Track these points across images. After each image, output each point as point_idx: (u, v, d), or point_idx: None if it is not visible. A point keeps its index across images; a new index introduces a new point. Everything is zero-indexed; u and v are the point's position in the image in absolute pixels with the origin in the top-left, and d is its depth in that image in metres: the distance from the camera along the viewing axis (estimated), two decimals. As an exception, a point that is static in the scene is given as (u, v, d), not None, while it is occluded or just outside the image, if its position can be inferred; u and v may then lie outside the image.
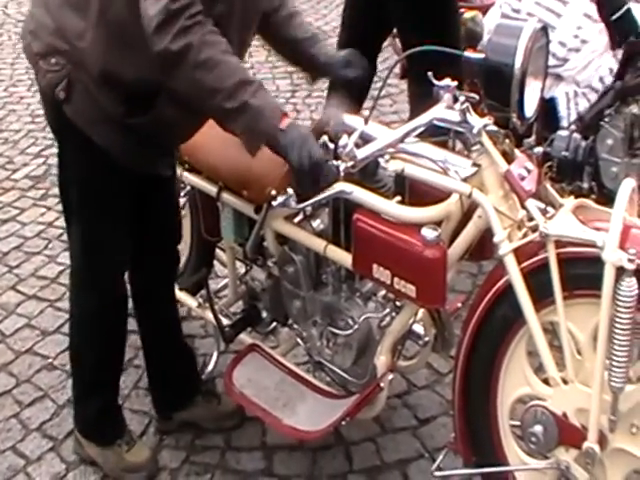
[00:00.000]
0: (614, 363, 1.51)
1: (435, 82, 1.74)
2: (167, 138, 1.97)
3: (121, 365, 2.30)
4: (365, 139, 1.79)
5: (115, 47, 1.77)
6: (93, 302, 2.12)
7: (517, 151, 1.75)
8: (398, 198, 1.92)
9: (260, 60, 4.99)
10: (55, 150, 3.92)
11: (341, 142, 1.72)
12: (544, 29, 1.69)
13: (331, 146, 1.86)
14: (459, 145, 1.88)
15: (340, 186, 1.78)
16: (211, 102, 1.66)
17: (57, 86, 1.84)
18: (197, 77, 1.63)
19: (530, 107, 1.69)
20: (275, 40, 2.11)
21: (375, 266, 1.81)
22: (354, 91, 2.99)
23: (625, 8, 2.55)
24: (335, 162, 1.72)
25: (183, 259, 2.67)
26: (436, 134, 1.79)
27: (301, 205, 1.78)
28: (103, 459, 2.26)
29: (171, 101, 1.78)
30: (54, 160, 3.93)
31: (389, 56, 4.82)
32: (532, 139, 2.03)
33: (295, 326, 2.21)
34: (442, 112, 1.75)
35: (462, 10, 2.93)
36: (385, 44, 4.09)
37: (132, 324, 2.77)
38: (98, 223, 2.01)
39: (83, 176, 1.97)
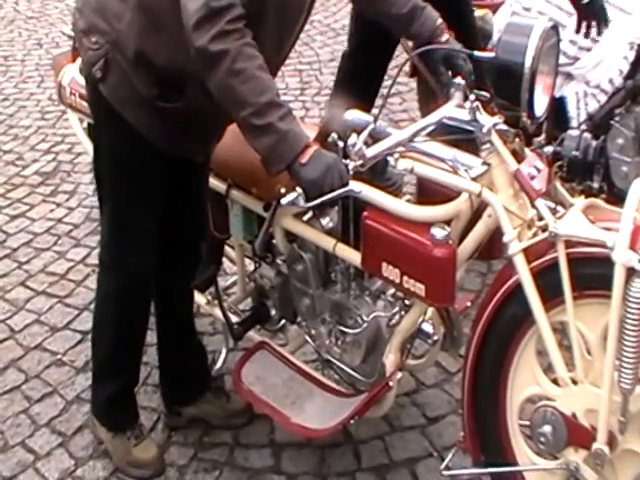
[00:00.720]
0: (624, 364, 1.51)
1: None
2: (199, 125, 1.96)
3: (140, 351, 2.30)
4: (374, 137, 1.79)
5: (150, 31, 1.80)
6: (116, 282, 2.15)
7: (527, 150, 1.75)
8: (407, 197, 1.92)
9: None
10: (65, 147, 3.98)
11: (350, 141, 1.72)
12: (555, 28, 1.68)
13: (340, 144, 1.87)
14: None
15: (350, 185, 1.77)
16: (238, 113, 1.66)
17: (95, 65, 1.87)
18: (230, 84, 1.64)
19: (540, 106, 1.68)
20: (373, 15, 2.09)
21: (384, 264, 1.81)
22: (368, 88, 2.99)
23: None
24: (344, 161, 1.72)
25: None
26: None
27: (310, 204, 1.77)
28: (112, 447, 2.29)
29: (202, 90, 1.76)
30: (64, 157, 3.98)
31: (398, 54, 4.81)
32: (542, 138, 2.00)
33: (304, 324, 2.21)
34: (452, 111, 1.74)
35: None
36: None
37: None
38: (128, 203, 2.04)
39: (117, 153, 1.99)
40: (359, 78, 3.12)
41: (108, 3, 1.85)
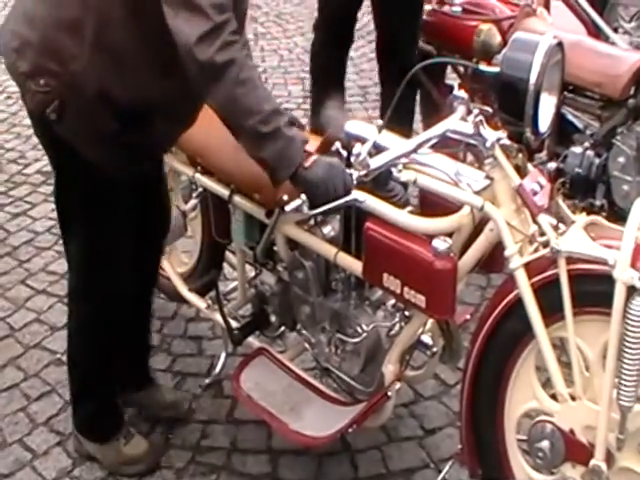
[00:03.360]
0: (623, 381, 1.52)
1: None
2: (159, 149, 2.03)
3: (124, 360, 2.31)
4: (378, 148, 1.80)
5: (111, 70, 1.77)
6: (95, 307, 2.13)
7: (530, 166, 1.76)
8: (410, 208, 1.92)
9: (272, 65, 5.01)
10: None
11: (354, 151, 1.73)
12: (560, 45, 1.69)
13: (344, 154, 1.88)
14: (470, 157, 1.89)
15: (353, 194, 1.78)
16: (245, 122, 1.67)
17: (48, 107, 1.79)
18: (236, 94, 1.65)
19: (544, 122, 1.68)
20: None
21: (385, 275, 1.82)
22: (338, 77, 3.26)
23: None
24: (348, 170, 1.73)
25: (193, 260, 2.69)
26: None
27: (313, 212, 1.78)
28: (102, 455, 2.28)
29: (166, 117, 1.82)
30: (65, 156, 3.97)
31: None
32: (543, 154, 2.01)
33: (303, 331, 2.21)
34: (456, 124, 1.75)
35: (476, 23, 2.93)
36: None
37: (141, 323, 2.82)
38: (100, 229, 2.00)
39: (82, 187, 1.96)
40: (327, 68, 3.50)
41: (58, 45, 1.77)
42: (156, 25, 1.67)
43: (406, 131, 3.41)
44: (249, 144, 1.74)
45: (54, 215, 3.46)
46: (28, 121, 4.40)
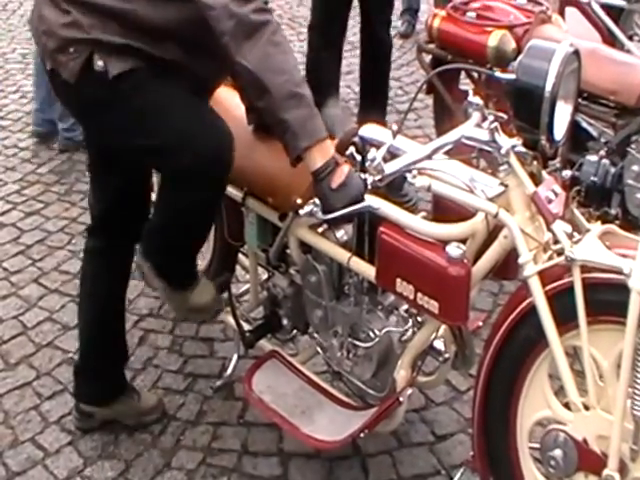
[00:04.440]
0: (637, 392, 1.52)
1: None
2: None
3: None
4: (392, 153, 1.80)
5: (133, 34, 1.85)
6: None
7: (545, 173, 1.75)
8: (423, 213, 1.93)
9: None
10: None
11: (369, 156, 1.74)
12: (576, 53, 1.69)
13: (358, 158, 1.89)
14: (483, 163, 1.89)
15: (367, 200, 1.78)
16: (275, 79, 1.70)
17: (85, 66, 1.86)
18: (270, 52, 1.70)
19: (560, 130, 1.68)
20: None
21: (398, 280, 1.82)
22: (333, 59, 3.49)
23: None
24: (362, 175, 1.74)
25: (205, 262, 2.70)
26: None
27: (327, 217, 1.79)
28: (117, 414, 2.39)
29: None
30: (79, 156, 3.98)
31: (415, 70, 4.83)
32: (557, 161, 2.01)
33: (315, 335, 2.22)
34: (471, 130, 1.75)
35: (491, 29, 2.93)
36: (411, 58, 4.16)
37: (153, 323, 2.84)
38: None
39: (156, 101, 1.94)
40: (323, 49, 3.81)
41: (83, 21, 1.86)
42: (187, 14, 1.77)
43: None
44: (275, 104, 1.73)
45: (67, 215, 3.51)
46: (42, 120, 4.42)
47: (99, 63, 1.87)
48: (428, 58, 3.31)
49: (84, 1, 1.87)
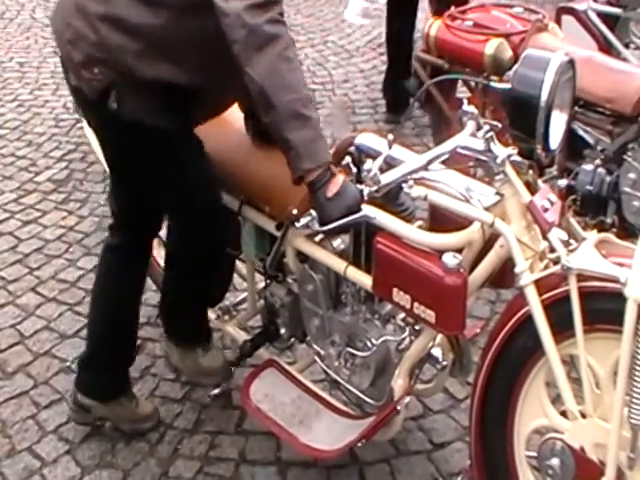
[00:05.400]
0: (634, 400, 1.52)
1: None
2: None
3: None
4: (388, 163, 1.81)
5: (162, 61, 1.86)
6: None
7: (540, 182, 1.76)
8: (420, 223, 1.93)
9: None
10: (78, 155, 3.99)
11: (365, 166, 1.74)
12: (571, 62, 1.69)
13: (354, 169, 1.89)
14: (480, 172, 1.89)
15: (363, 210, 1.79)
16: (282, 97, 1.68)
17: (103, 93, 1.89)
18: (280, 67, 1.68)
19: (555, 139, 1.69)
20: None
21: (395, 290, 1.82)
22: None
23: None
24: (359, 186, 1.74)
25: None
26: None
27: (324, 228, 1.79)
28: (114, 414, 2.40)
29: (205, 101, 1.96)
30: (77, 165, 4.00)
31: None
32: (554, 169, 2.02)
33: (313, 344, 2.22)
34: (466, 140, 1.75)
35: (487, 37, 2.94)
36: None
37: (150, 332, 2.84)
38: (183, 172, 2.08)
39: (144, 150, 2.02)
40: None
41: (111, 39, 1.86)
42: (206, 27, 1.76)
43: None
44: (280, 122, 1.71)
45: (64, 223, 3.52)
46: (39, 129, 4.52)
47: (113, 105, 1.90)
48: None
49: (112, 16, 1.86)
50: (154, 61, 1.86)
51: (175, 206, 2.16)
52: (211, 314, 2.51)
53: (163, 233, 2.66)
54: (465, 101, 1.77)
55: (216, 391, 2.52)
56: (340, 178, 1.75)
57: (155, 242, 2.78)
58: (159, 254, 2.80)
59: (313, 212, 1.79)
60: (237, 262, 2.58)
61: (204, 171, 2.08)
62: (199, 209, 2.10)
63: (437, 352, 2.01)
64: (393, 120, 4.40)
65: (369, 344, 2.01)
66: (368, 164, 1.73)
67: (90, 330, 2.43)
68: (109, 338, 2.36)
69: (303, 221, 1.79)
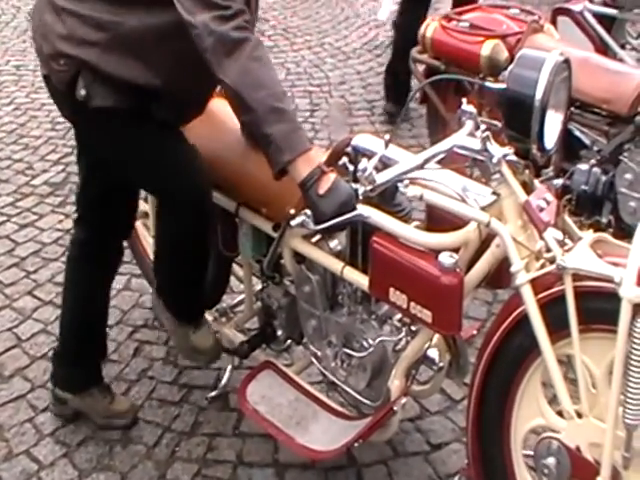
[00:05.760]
0: (629, 399, 1.52)
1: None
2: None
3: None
4: (384, 163, 1.81)
5: (127, 57, 1.91)
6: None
7: (536, 182, 1.76)
8: (416, 223, 1.93)
9: (280, 78, 5.00)
10: (74, 158, 3.97)
11: (361, 166, 1.74)
12: (567, 62, 1.69)
13: (350, 168, 1.89)
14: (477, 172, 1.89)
15: (358, 210, 1.79)
16: (257, 94, 1.72)
17: (71, 83, 1.94)
18: (251, 67, 1.73)
19: (551, 139, 1.69)
20: None
21: (392, 290, 1.82)
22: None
23: None
24: (354, 185, 1.74)
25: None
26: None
27: (319, 227, 1.79)
28: (87, 407, 2.45)
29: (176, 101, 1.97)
30: (73, 168, 3.98)
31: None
32: (550, 170, 2.02)
33: (310, 345, 2.22)
34: (463, 139, 1.75)
35: (483, 39, 2.95)
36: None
37: (147, 335, 2.83)
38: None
39: (142, 142, 2.05)
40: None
41: (78, 33, 1.92)
42: (172, 25, 1.80)
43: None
44: (257, 119, 1.74)
45: (61, 227, 3.51)
46: (36, 132, 4.52)
47: (81, 92, 1.94)
48: (422, 68, 3.33)
49: (79, 12, 1.92)
50: (117, 58, 1.91)
51: (153, 191, 2.20)
52: (208, 316, 2.50)
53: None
54: (464, 100, 1.78)
55: (213, 393, 2.53)
56: (331, 176, 1.75)
57: (142, 229, 2.81)
58: (147, 242, 2.81)
59: (308, 211, 1.79)
60: (234, 264, 2.59)
61: (182, 156, 2.08)
62: (178, 194, 2.09)
63: (434, 353, 2.01)
64: (391, 111, 4.41)
65: (366, 345, 2.01)
66: (363, 163, 1.73)
67: (61, 325, 2.48)
68: (77, 332, 2.41)
69: (298, 220, 1.79)
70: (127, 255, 2.98)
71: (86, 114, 1.99)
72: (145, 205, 2.79)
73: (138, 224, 2.82)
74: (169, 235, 2.20)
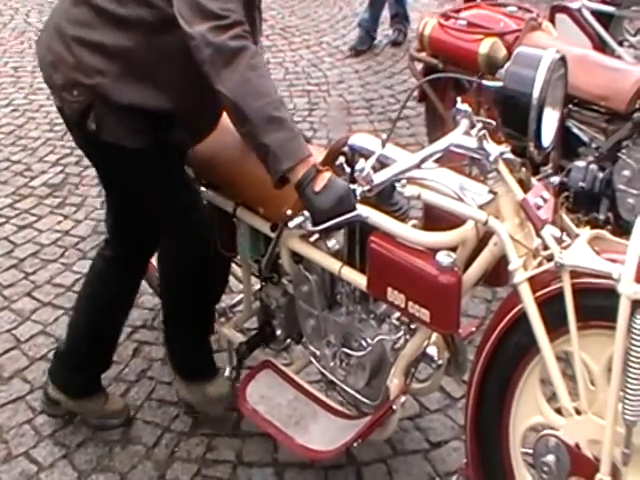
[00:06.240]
0: (628, 396, 1.51)
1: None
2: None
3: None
4: (382, 162, 1.80)
5: (139, 84, 1.91)
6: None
7: (534, 180, 1.76)
8: (413, 222, 1.93)
9: (278, 78, 5.01)
10: (73, 159, 4.00)
11: (358, 166, 1.74)
12: (563, 59, 1.69)
13: (347, 169, 1.89)
14: (475, 170, 1.89)
15: (357, 209, 1.79)
16: (255, 103, 1.73)
17: (83, 115, 1.94)
18: (249, 76, 1.73)
19: (547, 137, 1.69)
20: None
21: (390, 289, 1.82)
22: None
23: None
24: (352, 185, 1.74)
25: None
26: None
27: (317, 228, 1.79)
28: (82, 409, 2.45)
29: (188, 126, 1.98)
30: (72, 169, 4.00)
31: (407, 78, 4.86)
32: (548, 167, 2.02)
33: (309, 345, 2.22)
34: (459, 138, 1.75)
35: (481, 37, 2.95)
36: (403, 66, 4.23)
37: (146, 335, 2.83)
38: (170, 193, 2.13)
39: (158, 183, 2.08)
40: None
41: (88, 61, 1.92)
42: (179, 44, 1.79)
43: None
44: (255, 128, 1.75)
45: (60, 228, 3.51)
46: (34, 133, 4.52)
47: (92, 126, 1.94)
48: (420, 66, 3.33)
49: (88, 40, 1.93)
50: (130, 84, 1.91)
51: (158, 228, 2.20)
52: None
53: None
54: (459, 99, 1.77)
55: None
56: (326, 174, 1.75)
57: None
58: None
59: (306, 212, 1.79)
60: (232, 264, 2.58)
61: (187, 195, 2.14)
62: (182, 233, 2.14)
63: (432, 351, 2.01)
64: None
65: (364, 344, 2.01)
66: (360, 163, 1.73)
67: (71, 328, 2.45)
68: (89, 342, 2.39)
69: (296, 221, 1.79)
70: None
71: (95, 146, 2.02)
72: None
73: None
74: (175, 276, 2.27)
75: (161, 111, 1.95)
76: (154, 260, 2.72)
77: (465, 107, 1.75)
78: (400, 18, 5.55)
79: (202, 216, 2.20)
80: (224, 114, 2.26)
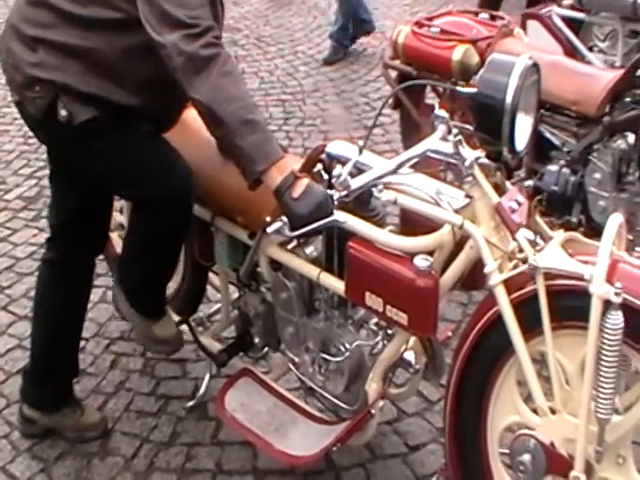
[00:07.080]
0: (600, 394, 1.54)
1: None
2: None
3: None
4: (359, 168, 1.82)
5: (100, 80, 1.93)
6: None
7: (508, 184, 1.78)
8: (391, 227, 1.94)
9: (253, 87, 5.01)
10: (47, 172, 3.92)
11: (335, 172, 1.75)
12: (535, 66, 1.72)
13: (325, 176, 1.90)
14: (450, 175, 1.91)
15: (333, 215, 1.80)
16: (228, 108, 1.74)
17: (50, 108, 1.94)
18: (221, 83, 1.75)
19: (521, 141, 1.71)
20: None
21: (368, 294, 1.83)
22: None
23: None
24: (329, 191, 1.75)
25: (176, 283, 2.69)
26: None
27: (295, 233, 1.80)
28: (58, 424, 2.42)
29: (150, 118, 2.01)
30: (46, 182, 3.91)
31: (381, 86, 4.89)
32: (522, 171, 2.03)
33: (287, 352, 2.22)
34: (436, 144, 1.77)
35: (454, 44, 2.98)
36: (377, 74, 4.23)
37: (124, 346, 2.82)
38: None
39: (122, 154, 2.05)
40: None
41: (49, 59, 1.93)
42: (143, 43, 1.81)
43: None
44: (230, 132, 1.77)
45: (35, 241, 3.48)
46: (8, 147, 4.47)
47: (62, 113, 1.94)
48: (394, 74, 3.35)
49: (50, 40, 1.93)
50: (92, 80, 1.93)
51: (138, 195, 2.15)
52: (184, 326, 2.50)
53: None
54: (437, 105, 1.79)
55: (191, 403, 2.53)
56: (305, 181, 1.77)
57: (118, 241, 2.79)
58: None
59: (284, 218, 1.79)
60: (210, 273, 2.58)
61: (167, 155, 2.09)
62: (165, 192, 2.08)
63: (410, 356, 2.02)
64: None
65: (343, 349, 2.02)
66: (338, 170, 1.75)
67: (32, 343, 2.43)
68: (50, 352, 2.37)
69: (274, 226, 1.80)
70: (103, 268, 2.98)
71: (68, 133, 1.99)
72: (121, 217, 2.78)
73: (114, 236, 2.81)
74: (147, 233, 2.17)
75: (125, 105, 1.96)
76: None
77: (443, 113, 1.77)
78: (344, 30, 5.43)
79: (186, 176, 2.11)
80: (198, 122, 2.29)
